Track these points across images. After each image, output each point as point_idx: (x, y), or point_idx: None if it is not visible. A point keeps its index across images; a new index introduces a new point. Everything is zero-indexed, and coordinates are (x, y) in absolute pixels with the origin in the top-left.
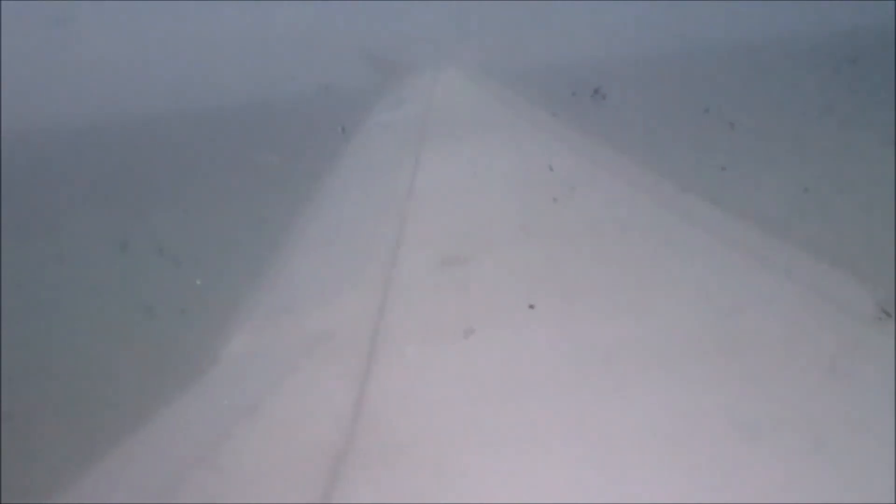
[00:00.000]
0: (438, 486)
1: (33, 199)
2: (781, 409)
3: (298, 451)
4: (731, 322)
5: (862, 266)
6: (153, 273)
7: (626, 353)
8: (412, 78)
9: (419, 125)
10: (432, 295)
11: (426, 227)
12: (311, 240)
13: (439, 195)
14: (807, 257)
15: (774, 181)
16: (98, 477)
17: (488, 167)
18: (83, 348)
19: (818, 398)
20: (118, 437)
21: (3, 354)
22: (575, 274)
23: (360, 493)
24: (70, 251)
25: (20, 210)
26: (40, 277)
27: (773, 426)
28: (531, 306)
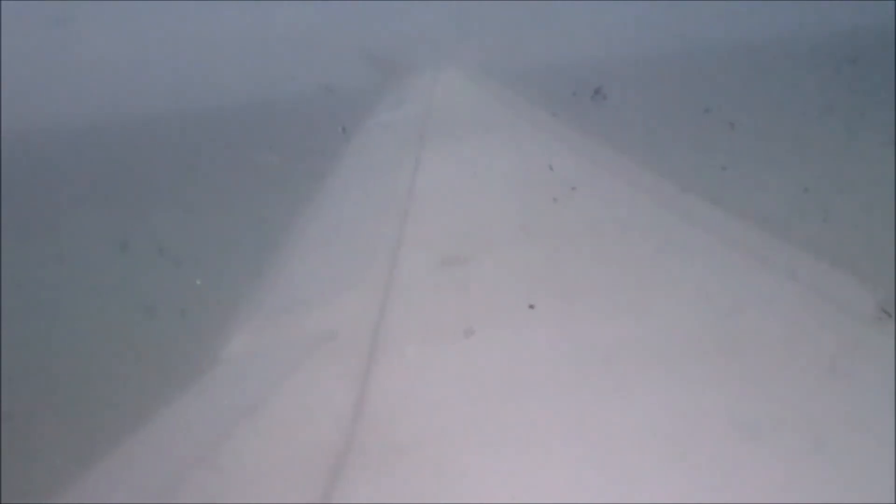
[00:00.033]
0: (439, 486)
1: (33, 199)
2: (781, 409)
3: (298, 451)
4: (731, 322)
5: (862, 266)
6: (153, 273)
7: (627, 353)
8: (412, 78)
9: (419, 125)
10: (433, 295)
11: (426, 226)
12: (312, 240)
13: (440, 195)
14: (807, 257)
15: (775, 181)
16: (98, 477)
17: (489, 167)
18: (83, 348)
19: (818, 398)
20: (118, 437)
21: (3, 354)
22: (575, 274)
23: (360, 493)
24: (70, 251)
25: (20, 210)
26: (40, 277)
27: (773, 426)
28: (531, 306)
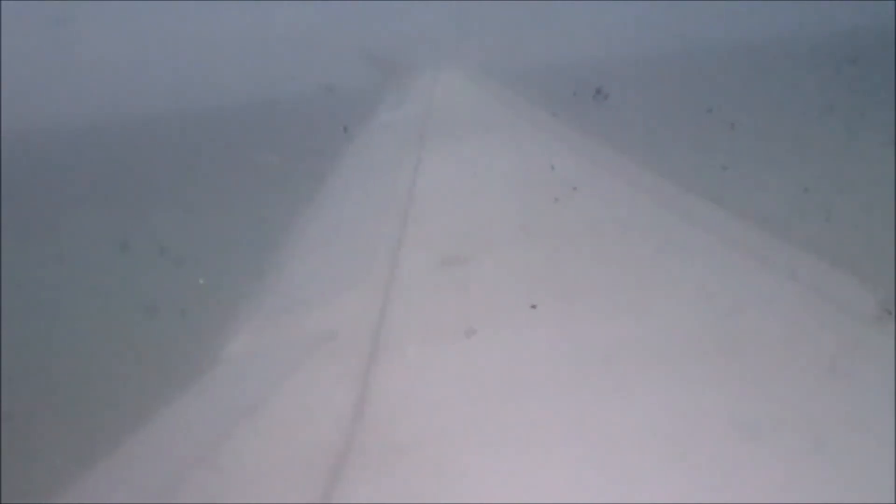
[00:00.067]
0: (439, 486)
1: (33, 199)
2: (781, 409)
3: (299, 451)
4: (731, 322)
5: (863, 266)
6: (153, 273)
7: (627, 353)
8: (413, 78)
9: (420, 125)
10: (433, 295)
11: (427, 226)
12: (312, 240)
13: (440, 195)
14: (807, 257)
15: (775, 181)
16: (98, 477)
17: (489, 167)
18: (83, 348)
19: (818, 398)
20: (118, 437)
21: (3, 354)
22: (576, 274)
23: (360, 493)
24: (70, 251)
25: (20, 210)
26: (40, 277)
27: (773, 426)
28: (533, 306)
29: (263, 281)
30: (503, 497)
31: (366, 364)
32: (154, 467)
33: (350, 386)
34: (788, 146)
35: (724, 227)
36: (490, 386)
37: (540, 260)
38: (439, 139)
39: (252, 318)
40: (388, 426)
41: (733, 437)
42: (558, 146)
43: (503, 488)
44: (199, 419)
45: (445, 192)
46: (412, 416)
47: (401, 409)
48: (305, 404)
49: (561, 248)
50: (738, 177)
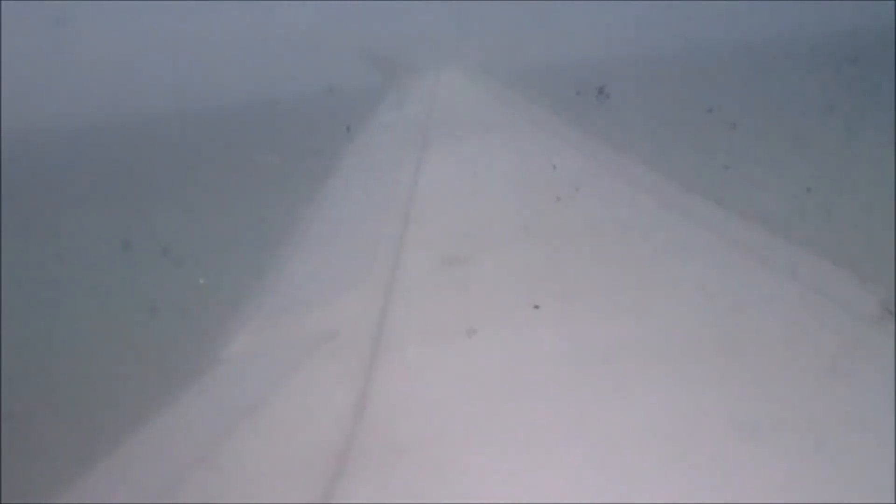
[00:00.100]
0: (439, 486)
1: (34, 199)
2: (782, 409)
3: (299, 451)
4: (732, 321)
5: (863, 265)
6: (154, 273)
7: (628, 353)
8: (414, 78)
9: (421, 125)
10: (434, 295)
11: (428, 226)
12: (313, 240)
13: (441, 195)
14: (808, 256)
15: (776, 181)
16: (98, 477)
17: (490, 167)
18: (83, 348)
19: (819, 398)
20: (118, 437)
21: (3, 354)
22: (577, 273)
23: (360, 493)
24: (71, 251)
25: (20, 210)
26: (40, 277)
27: (773, 426)
28: (536, 306)
29: (263, 281)
30: (503, 497)
31: (366, 364)
32: (154, 467)
33: (350, 386)
34: (789, 146)
35: (725, 227)
36: (490, 386)
37: (541, 260)
38: (440, 139)
39: (252, 318)
40: (389, 426)
41: (733, 437)
42: (559, 146)
43: (503, 488)
44: (199, 419)
45: (446, 191)
46: (412, 415)
47: (401, 408)
48: (305, 404)
49: (562, 248)
50: (739, 176)
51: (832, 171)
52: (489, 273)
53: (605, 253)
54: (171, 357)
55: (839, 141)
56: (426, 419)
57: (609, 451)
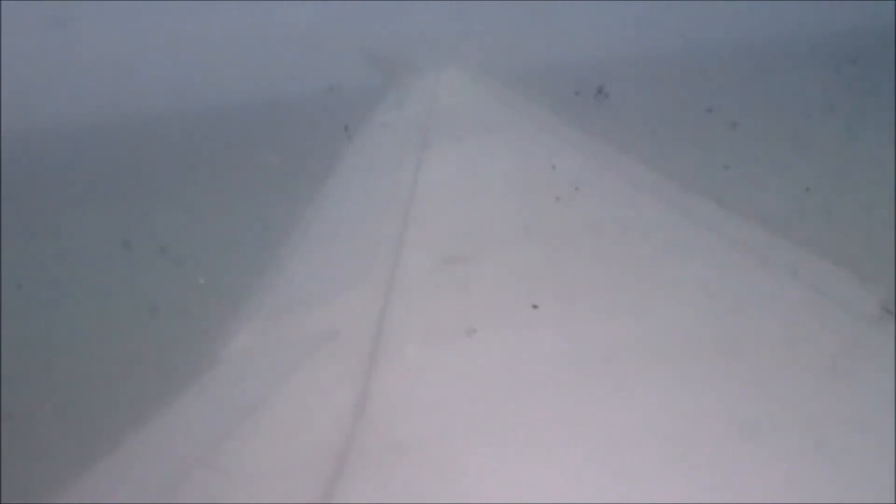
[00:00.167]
0: (439, 485)
1: (34, 199)
2: (782, 409)
3: (299, 451)
4: (732, 321)
5: (864, 265)
6: (154, 273)
7: (628, 353)
8: (414, 78)
9: (421, 125)
10: (434, 294)
11: (428, 226)
12: (313, 239)
13: (441, 195)
14: (808, 256)
15: (776, 180)
16: (98, 477)
17: (490, 167)
18: (83, 348)
19: (819, 398)
20: (118, 437)
21: (3, 354)
22: (577, 273)
23: (361, 492)
24: (71, 251)
25: (20, 210)
26: (41, 277)
27: (773, 426)
28: (535, 306)
29: (263, 281)
30: (503, 497)
31: (366, 364)
32: (154, 467)
33: (350, 386)
34: (789, 146)
35: (725, 227)
36: (490, 386)
37: (541, 259)
38: (440, 139)
39: (252, 318)
40: (389, 426)
41: (733, 437)
42: (559, 146)
43: (503, 488)
44: (199, 419)
45: (446, 191)
46: (412, 415)
47: (401, 408)
48: (305, 404)
49: (562, 248)
50: (739, 176)
51: (832, 171)
52: (489, 273)
53: (605, 253)
54: (170, 357)
55: (839, 141)
56: (426, 419)
57: (609, 451)
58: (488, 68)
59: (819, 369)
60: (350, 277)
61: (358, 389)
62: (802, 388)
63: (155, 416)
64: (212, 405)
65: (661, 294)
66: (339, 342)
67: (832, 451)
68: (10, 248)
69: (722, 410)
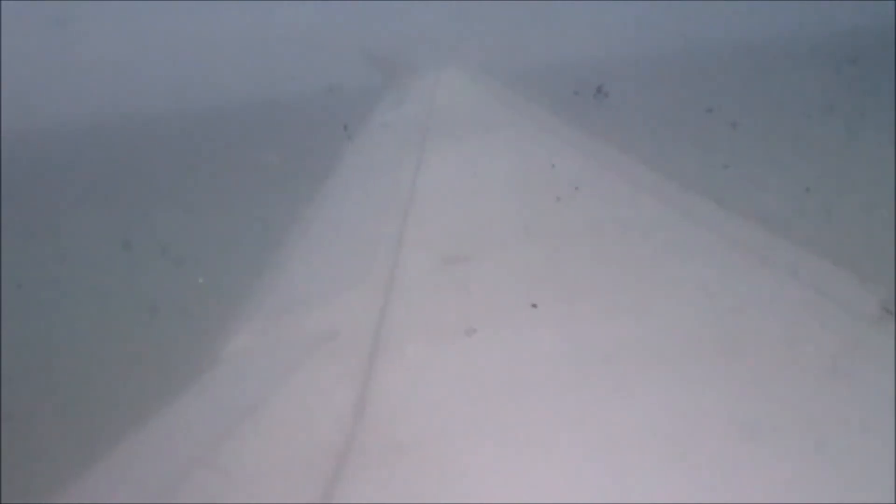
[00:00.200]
0: (439, 485)
1: (33, 199)
2: (782, 409)
3: (299, 451)
4: (731, 321)
5: (864, 265)
6: (154, 273)
7: (628, 353)
8: (413, 78)
9: (421, 125)
10: (434, 294)
11: (428, 226)
12: (313, 239)
13: (441, 194)
14: (808, 256)
15: (776, 180)
16: (98, 477)
17: (490, 166)
18: (83, 348)
19: (819, 398)
20: (118, 437)
21: (3, 354)
22: (577, 273)
23: (361, 492)
24: (71, 251)
25: (20, 210)
26: (41, 277)
27: (773, 426)
28: (535, 306)
29: (263, 281)
30: (503, 497)
31: (366, 363)
32: (154, 467)
33: (350, 386)
34: (789, 146)
35: (725, 227)
36: (490, 386)
37: (541, 259)
38: (440, 139)
39: (252, 318)
40: (389, 426)
41: (733, 437)
42: (559, 145)
43: (503, 488)
44: (199, 419)
45: (446, 191)
46: (413, 415)
47: (401, 408)
48: (305, 404)
49: (562, 248)
50: (739, 176)
51: (832, 171)
52: (489, 273)
53: (605, 253)
54: (170, 357)
55: (839, 141)
56: (426, 419)
57: (609, 451)
58: (488, 68)
59: (819, 369)
60: (350, 277)
61: (358, 389)
62: (802, 388)
63: (155, 416)
64: (212, 405)
65: (661, 294)
66: (339, 342)
67: (832, 451)
68: (10, 248)
69: (722, 410)
